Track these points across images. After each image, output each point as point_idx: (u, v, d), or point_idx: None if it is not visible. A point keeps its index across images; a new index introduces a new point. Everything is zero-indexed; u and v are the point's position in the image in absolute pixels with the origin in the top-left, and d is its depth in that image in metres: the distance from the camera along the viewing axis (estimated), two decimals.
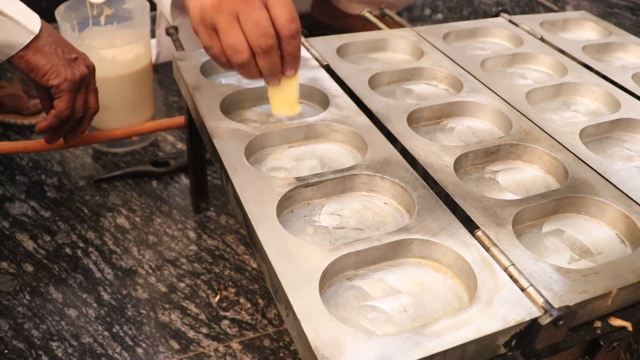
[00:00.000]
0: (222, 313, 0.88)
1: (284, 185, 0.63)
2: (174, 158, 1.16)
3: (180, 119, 1.01)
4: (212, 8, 0.62)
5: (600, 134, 0.82)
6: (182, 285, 0.92)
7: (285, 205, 0.63)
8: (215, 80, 0.86)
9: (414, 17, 1.84)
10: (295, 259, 0.54)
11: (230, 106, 0.80)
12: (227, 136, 0.70)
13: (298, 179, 0.64)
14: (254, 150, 0.71)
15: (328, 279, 0.55)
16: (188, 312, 0.88)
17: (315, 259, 0.54)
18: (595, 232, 0.65)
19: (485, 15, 1.79)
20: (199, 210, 1.05)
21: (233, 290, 0.91)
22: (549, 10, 1.22)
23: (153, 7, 1.29)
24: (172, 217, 1.04)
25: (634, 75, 0.94)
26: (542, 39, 1.03)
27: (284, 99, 0.71)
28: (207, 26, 0.64)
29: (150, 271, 0.94)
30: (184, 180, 1.12)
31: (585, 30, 1.13)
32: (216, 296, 0.90)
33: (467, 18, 1.86)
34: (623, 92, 0.89)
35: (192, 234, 1.01)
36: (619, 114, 0.83)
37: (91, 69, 0.85)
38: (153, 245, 0.98)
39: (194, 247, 0.98)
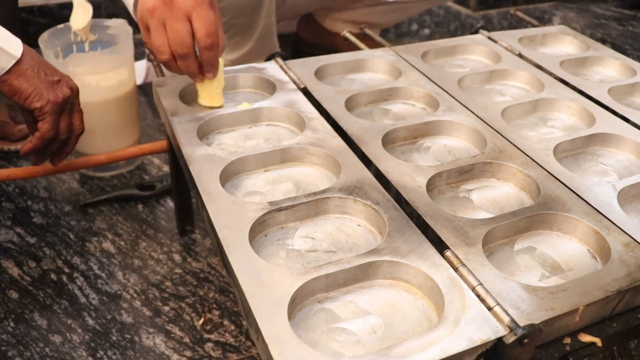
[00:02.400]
0: (206, 336, 0.89)
1: (257, 210, 0.65)
2: (160, 181, 1.17)
3: (162, 143, 1.03)
4: (147, 12, 0.75)
5: (576, 149, 0.83)
6: (166, 308, 0.93)
7: (259, 229, 0.65)
8: (195, 105, 0.87)
9: (401, 32, 1.87)
10: (266, 284, 0.56)
11: (208, 131, 0.81)
12: (202, 162, 0.72)
13: (271, 203, 0.66)
14: (230, 175, 0.73)
15: (298, 302, 0.57)
16: (172, 335, 0.89)
17: (285, 283, 0.56)
18: (567, 249, 0.67)
19: (473, 29, 1.81)
20: (184, 233, 1.06)
21: (217, 312, 0.93)
22: (529, 25, 1.24)
23: (135, 30, 1.32)
24: (157, 241, 1.05)
25: (610, 89, 0.96)
26: (520, 55, 1.05)
27: (207, 94, 0.82)
28: (144, 25, 0.76)
29: (135, 295, 0.95)
30: (170, 204, 1.14)
31: (564, 44, 1.15)
32: (200, 319, 0.91)
33: (454, 32, 1.89)
34: (598, 106, 0.91)
35: (177, 257, 1.02)
36: (593, 129, 0.85)
37: (74, 91, 0.86)
38: (138, 269, 1.00)
39: (178, 270, 1.00)
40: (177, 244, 1.05)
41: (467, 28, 1.91)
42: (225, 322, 0.91)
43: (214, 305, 0.94)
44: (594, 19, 2.03)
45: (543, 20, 2.02)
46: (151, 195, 1.15)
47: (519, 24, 1.94)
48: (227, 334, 0.89)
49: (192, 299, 0.95)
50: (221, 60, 0.83)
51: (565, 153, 0.82)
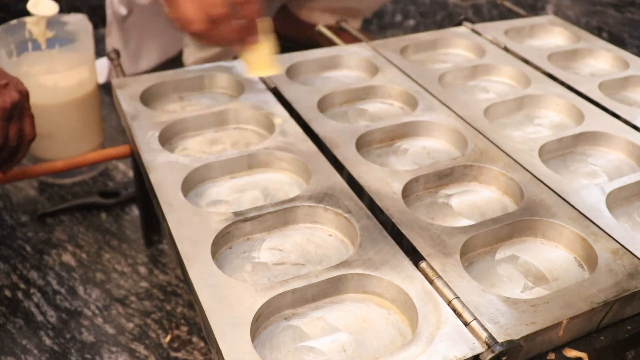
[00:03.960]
0: (173, 354, 0.89)
1: (221, 220, 0.65)
2: (125, 188, 1.17)
3: (126, 148, 1.03)
4: None
5: (563, 149, 0.84)
6: (130, 325, 0.93)
7: (223, 242, 0.65)
8: (157, 108, 0.87)
9: (383, 24, 1.87)
10: (228, 301, 0.56)
11: (171, 136, 0.81)
12: (164, 170, 0.72)
13: (236, 213, 0.66)
14: (193, 184, 0.73)
15: (263, 319, 0.57)
16: (137, 354, 0.88)
17: (248, 300, 0.56)
18: (552, 257, 0.67)
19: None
20: (150, 243, 1.06)
21: (185, 328, 0.92)
22: (517, 15, 1.25)
23: (97, 25, 1.31)
24: (121, 252, 1.05)
25: (601, 83, 0.96)
26: (505, 49, 1.06)
27: (258, 60, 0.78)
28: None
29: (96, 312, 0.94)
30: (135, 212, 1.13)
31: (553, 36, 1.16)
32: (167, 336, 0.91)
33: (441, 23, 1.89)
34: (588, 103, 0.91)
35: (142, 270, 1.02)
36: (582, 127, 0.85)
37: (24, 94, 0.86)
38: (100, 284, 0.99)
39: (144, 284, 0.99)
40: (143, 255, 1.05)
41: (454, 18, 1.92)
42: (194, 339, 0.91)
43: (182, 321, 0.93)
44: (590, 6, 2.04)
45: (536, 8, 2.03)
46: (115, 203, 1.14)
47: (510, 13, 1.95)
48: (195, 352, 0.89)
49: (159, 314, 0.94)
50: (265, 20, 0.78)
51: (552, 154, 0.83)
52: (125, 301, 0.96)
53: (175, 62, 1.47)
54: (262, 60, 0.77)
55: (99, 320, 0.93)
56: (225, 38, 0.71)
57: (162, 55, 1.47)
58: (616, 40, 1.83)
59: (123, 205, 1.15)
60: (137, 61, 1.43)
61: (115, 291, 0.98)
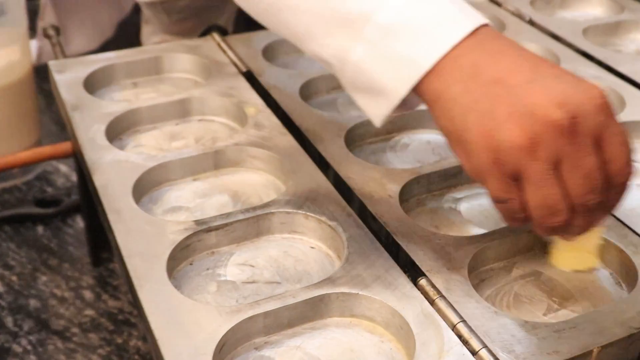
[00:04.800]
0: None
1: (179, 231, 0.67)
2: (67, 194, 1.19)
3: (66, 146, 1.05)
4: (522, 151, 0.55)
5: None
6: None
7: (182, 256, 0.67)
8: (105, 97, 0.90)
9: None
10: (186, 327, 0.58)
11: (122, 130, 0.84)
12: (111, 171, 0.74)
13: (198, 222, 0.68)
14: (147, 187, 0.75)
15: (229, 349, 0.59)
16: None
17: (211, 326, 0.58)
18: (583, 273, 0.69)
19: None
20: (98, 262, 1.08)
21: None
22: None
23: None
24: (62, 274, 1.07)
25: None
26: (530, 22, 1.08)
27: (581, 250, 0.69)
28: (505, 172, 0.57)
29: (29, 348, 0.96)
30: (80, 224, 1.16)
31: (590, 5, 1.18)
32: None
33: None
34: (631, 86, 0.93)
35: (88, 295, 1.04)
36: (623, 116, 0.88)
37: None
38: (35, 313, 1.01)
39: (90, 312, 1.01)
40: (88, 277, 1.07)
41: None
42: None
43: (136, 357, 0.95)
44: None
45: None
46: (55, 213, 1.16)
47: None
48: None
49: (107, 349, 0.96)
50: None
51: None
52: (65, 334, 0.98)
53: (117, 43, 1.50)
54: (590, 247, 0.69)
55: (31, 359, 0.95)
56: (581, 228, 0.62)
57: (100, 34, 1.52)
58: None
59: (64, 215, 1.17)
60: (71, 42, 1.46)
61: (54, 322, 1.00)
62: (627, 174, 0.59)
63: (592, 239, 0.68)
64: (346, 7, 0.61)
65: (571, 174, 0.57)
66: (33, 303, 1.03)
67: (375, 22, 0.60)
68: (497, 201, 0.60)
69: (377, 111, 0.63)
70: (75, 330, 0.99)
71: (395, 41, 0.59)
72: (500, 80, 0.57)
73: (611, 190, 0.60)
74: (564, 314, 0.65)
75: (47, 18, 1.40)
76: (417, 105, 0.65)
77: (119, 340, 0.98)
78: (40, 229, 1.15)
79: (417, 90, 0.60)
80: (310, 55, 0.66)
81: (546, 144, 0.55)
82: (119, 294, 1.04)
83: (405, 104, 0.62)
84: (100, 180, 0.73)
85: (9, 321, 1.00)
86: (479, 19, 0.60)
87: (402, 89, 0.60)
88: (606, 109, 0.57)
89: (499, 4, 1.13)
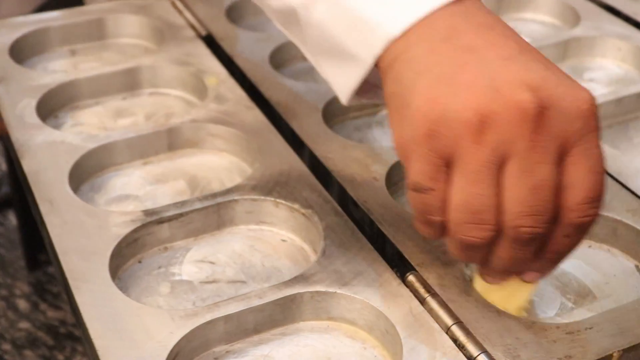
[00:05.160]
0: None
1: (125, 223, 0.67)
2: None
3: None
4: (466, 126, 0.51)
5: (625, 113, 0.86)
6: None
7: (129, 253, 0.67)
8: (37, 67, 0.89)
9: None
10: (132, 336, 0.57)
11: (57, 106, 0.83)
12: (43, 153, 0.74)
13: (147, 212, 0.68)
14: (88, 173, 0.75)
15: (184, 359, 0.58)
16: None
17: (161, 334, 0.57)
18: (604, 265, 0.69)
19: None
20: (34, 265, 1.08)
21: None
22: None
23: None
24: None
25: None
26: None
27: (516, 293, 0.63)
28: (437, 151, 0.53)
29: None
30: (13, 221, 1.15)
31: None
32: None
33: None
34: None
35: (23, 304, 1.03)
36: None
37: None
38: None
39: (25, 325, 1.01)
40: (23, 283, 1.06)
41: None
42: None
43: None
44: None
45: None
46: None
47: None
48: None
49: None
50: None
51: (609, 120, 0.85)
52: None
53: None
54: (526, 293, 0.64)
55: None
56: (504, 264, 0.57)
57: None
58: None
59: None
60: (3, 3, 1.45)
61: None
62: (584, 214, 0.53)
63: (520, 293, 0.62)
64: None
65: (515, 180, 0.51)
66: None
67: None
68: (415, 188, 0.54)
69: (345, 80, 0.59)
70: (6, 347, 0.98)
71: None
72: (475, 50, 0.52)
73: (558, 228, 0.54)
74: (580, 313, 0.65)
75: None
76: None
77: (61, 358, 0.97)
78: None
79: (378, 58, 0.56)
80: (273, 11, 0.64)
81: (499, 128, 0.50)
82: (61, 303, 1.03)
83: (377, 91, 0.60)
84: (30, 165, 0.72)
85: None
86: None
87: (368, 57, 0.56)
88: (589, 118, 0.52)
89: None
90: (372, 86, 0.59)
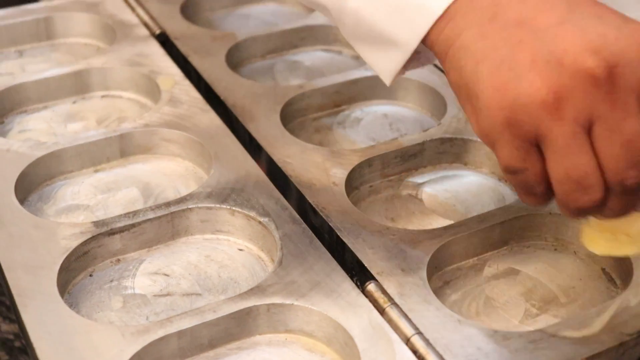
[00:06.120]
0: None
1: (74, 235, 0.67)
2: None
3: None
4: (543, 108, 0.52)
5: None
6: None
7: (79, 266, 0.68)
8: None
9: None
10: (81, 354, 0.58)
11: (3, 111, 0.84)
12: None
13: (97, 223, 0.68)
14: (36, 182, 0.76)
15: None
16: None
17: (111, 351, 0.58)
18: (569, 269, 0.71)
19: None
20: None
21: None
22: None
23: None
24: None
25: None
26: None
27: (618, 232, 0.65)
28: (522, 136, 0.54)
29: None
30: None
31: None
32: None
33: None
34: None
35: None
36: None
37: None
38: None
39: None
40: None
41: None
42: None
43: None
44: None
45: None
46: None
47: None
48: None
49: None
50: None
51: None
52: None
53: None
54: (628, 232, 0.65)
55: None
56: (617, 211, 0.59)
57: None
58: None
59: None
60: None
61: None
62: None
63: (633, 222, 0.63)
64: None
65: (607, 141, 0.53)
66: None
67: None
68: (509, 172, 0.57)
69: (388, 65, 0.62)
70: None
71: None
72: (525, 22, 0.54)
73: None
74: (545, 320, 0.66)
75: None
76: (434, 59, 0.63)
77: None
78: None
79: (426, 42, 0.58)
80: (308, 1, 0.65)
81: (575, 99, 0.52)
82: (13, 312, 1.04)
83: (419, 58, 0.61)
84: None
85: None
86: None
87: (412, 40, 0.58)
88: None
89: None
90: (413, 59, 0.61)
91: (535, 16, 0.53)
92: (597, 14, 0.53)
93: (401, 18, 0.58)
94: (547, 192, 0.56)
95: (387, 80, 0.62)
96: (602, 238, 0.64)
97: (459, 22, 0.56)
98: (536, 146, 0.54)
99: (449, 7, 0.56)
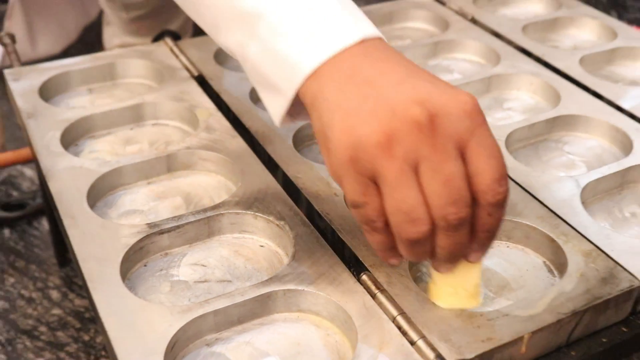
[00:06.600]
0: None
1: (132, 234, 0.68)
2: (32, 198, 1.19)
3: (28, 151, 1.05)
4: (377, 147, 0.52)
5: (536, 136, 0.87)
6: None
7: (136, 258, 0.68)
8: (60, 104, 0.89)
9: None
10: (138, 327, 0.58)
11: (77, 136, 0.84)
12: (65, 177, 0.74)
13: (150, 225, 0.69)
14: (102, 192, 0.76)
15: (181, 347, 0.60)
16: None
17: (162, 325, 0.59)
18: (518, 262, 0.71)
19: None
20: (64, 262, 1.08)
21: None
22: None
23: None
24: (29, 275, 1.07)
25: (583, 58, 1.00)
26: (473, 20, 1.09)
27: (457, 287, 0.62)
28: (362, 172, 0.53)
29: None
30: (46, 226, 1.15)
31: (530, 3, 1.20)
32: None
33: None
34: (566, 81, 0.95)
35: (55, 294, 1.04)
36: (557, 110, 0.89)
37: None
38: (3, 314, 1.01)
39: (57, 311, 1.02)
40: (55, 277, 1.07)
41: None
42: None
43: (103, 353, 0.96)
44: None
45: None
46: (20, 216, 1.16)
47: None
48: None
49: (75, 346, 0.97)
50: None
51: (523, 142, 0.86)
52: (34, 333, 0.99)
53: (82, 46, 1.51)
54: (472, 283, 0.62)
55: (1, 358, 0.95)
56: (448, 252, 0.56)
57: (66, 37, 1.52)
58: (614, 3, 1.88)
59: (30, 218, 1.17)
60: (37, 44, 1.46)
61: (22, 321, 1.00)
62: (496, 193, 0.53)
63: (470, 276, 0.61)
64: (242, 3, 0.59)
65: (430, 179, 0.52)
66: (1, 304, 1.03)
67: (267, 21, 0.58)
68: (353, 205, 0.55)
69: (275, 109, 0.61)
70: (43, 329, 0.99)
71: (283, 42, 0.57)
72: (373, 81, 0.54)
73: (480, 210, 0.54)
74: (500, 303, 0.66)
75: (15, 19, 1.40)
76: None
77: (86, 338, 0.98)
78: (6, 232, 1.15)
79: (300, 94, 0.57)
80: (222, 47, 0.65)
81: (403, 141, 0.51)
82: (85, 293, 1.04)
83: (306, 112, 0.59)
84: (55, 186, 0.73)
85: None
86: (369, 30, 0.57)
87: (289, 90, 0.57)
88: (474, 116, 0.53)
89: (442, 3, 1.14)
90: (301, 111, 0.60)
91: (380, 77, 0.54)
92: (429, 79, 0.55)
93: (283, 71, 0.58)
94: (386, 227, 0.55)
95: (276, 121, 0.62)
96: (444, 293, 0.62)
97: (323, 80, 0.55)
98: (375, 183, 0.53)
99: (318, 68, 0.55)
